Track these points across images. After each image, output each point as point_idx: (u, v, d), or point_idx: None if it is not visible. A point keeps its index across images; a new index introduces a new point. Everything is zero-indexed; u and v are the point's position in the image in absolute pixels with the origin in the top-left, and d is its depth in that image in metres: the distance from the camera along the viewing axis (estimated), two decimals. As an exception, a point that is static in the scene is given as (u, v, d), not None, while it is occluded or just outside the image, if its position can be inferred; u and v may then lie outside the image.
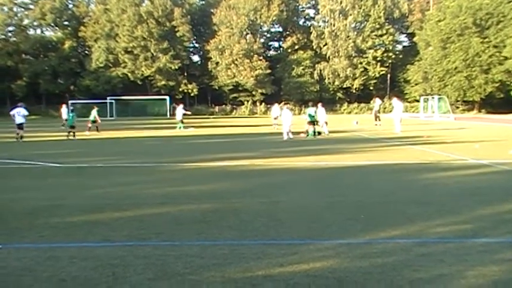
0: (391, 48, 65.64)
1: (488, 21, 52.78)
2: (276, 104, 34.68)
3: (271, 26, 69.10)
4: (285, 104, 34.83)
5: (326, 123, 23.99)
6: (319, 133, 22.74)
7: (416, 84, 61.98)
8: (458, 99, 56.71)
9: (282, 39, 70.20)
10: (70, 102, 48.18)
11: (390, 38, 64.86)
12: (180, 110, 30.55)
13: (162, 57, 63.02)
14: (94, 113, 27.84)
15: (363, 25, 65.75)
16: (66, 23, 68.44)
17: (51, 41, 67.87)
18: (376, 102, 34.30)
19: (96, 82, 63.78)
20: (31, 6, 66.96)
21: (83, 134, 25.11)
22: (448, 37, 54.74)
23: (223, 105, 67.76)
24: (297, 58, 65.73)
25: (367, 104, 63.63)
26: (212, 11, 66.40)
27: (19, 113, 22.08)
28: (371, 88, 65.43)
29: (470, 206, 7.11)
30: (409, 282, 4.15)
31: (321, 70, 65.27)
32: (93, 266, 4.61)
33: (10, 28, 66.96)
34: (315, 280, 4.21)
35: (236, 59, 63.09)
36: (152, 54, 63.81)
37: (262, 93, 64.83)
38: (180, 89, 64.93)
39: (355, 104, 66.43)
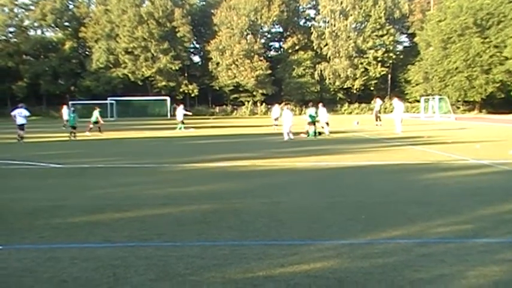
0: (391, 48, 65.63)
1: (489, 22, 52.76)
2: (277, 105, 34.67)
3: (272, 26, 69.12)
4: (285, 104, 34.82)
5: (327, 123, 23.98)
6: (320, 133, 22.75)
7: (417, 85, 61.96)
8: (459, 99, 56.69)
9: (283, 39, 70.21)
10: (70, 102, 48.17)
11: (391, 38, 64.85)
12: (180, 110, 30.55)
13: (163, 57, 63.05)
14: (96, 113, 27.84)
15: (363, 25, 65.75)
16: (66, 23, 68.50)
17: (52, 41, 67.92)
18: (377, 103, 34.29)
19: (97, 83, 63.83)
20: (32, 7, 67.02)
21: (83, 135, 25.13)
22: (448, 37, 54.73)
23: (224, 106, 67.76)
24: (297, 58, 65.73)
25: (368, 104, 63.60)
26: (212, 11, 66.42)
27: (20, 114, 22.09)
28: (372, 88, 65.41)
29: (471, 206, 7.11)
30: (409, 283, 4.15)
31: (321, 70, 65.27)
32: (94, 267, 4.61)
33: (11, 29, 67.02)
34: (315, 280, 4.21)
35: (237, 60, 63.10)
36: (153, 54, 63.84)
37: (262, 94, 64.83)
38: (181, 90, 64.95)
39: (356, 105, 66.41)
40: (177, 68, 63.59)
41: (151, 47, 63.39)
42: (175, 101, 56.90)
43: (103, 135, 25.97)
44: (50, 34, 70.48)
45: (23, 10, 67.61)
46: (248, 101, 66.11)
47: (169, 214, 6.83)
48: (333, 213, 6.83)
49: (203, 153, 15.69)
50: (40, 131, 29.57)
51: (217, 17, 64.78)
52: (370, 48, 64.31)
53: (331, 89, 66.49)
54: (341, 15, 64.51)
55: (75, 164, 13.21)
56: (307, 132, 22.30)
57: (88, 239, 5.63)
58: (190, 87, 64.95)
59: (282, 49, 70.38)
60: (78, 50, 69.39)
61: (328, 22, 66.08)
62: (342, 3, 64.27)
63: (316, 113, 22.97)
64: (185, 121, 30.66)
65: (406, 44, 71.14)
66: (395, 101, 26.17)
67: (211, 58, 65.24)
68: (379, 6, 63.71)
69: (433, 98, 46.92)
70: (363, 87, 65.84)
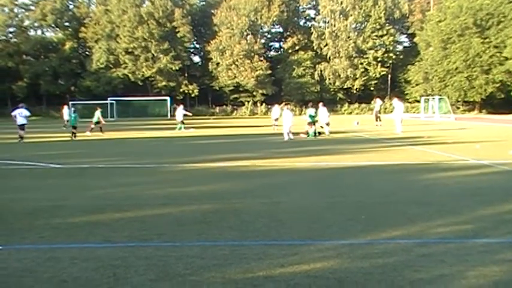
0: (391, 48, 65.62)
1: (489, 22, 52.75)
2: (277, 105, 34.68)
3: (272, 26, 69.10)
4: (285, 104, 34.83)
5: (328, 124, 23.95)
6: (320, 133, 22.74)
7: (417, 85, 61.96)
8: (459, 99, 56.68)
9: (283, 39, 70.21)
10: (71, 103, 48.22)
11: (391, 38, 64.85)
12: (180, 110, 30.55)
13: (163, 58, 63.04)
14: (98, 114, 27.86)
15: (363, 26, 65.74)
16: (66, 23, 68.49)
17: (52, 41, 67.92)
18: (377, 103, 34.28)
19: (97, 83, 63.83)
20: (32, 7, 67.00)
21: (84, 135, 25.14)
22: (448, 37, 54.73)
23: (224, 106, 67.75)
24: (297, 59, 65.73)
25: (368, 104, 63.60)
26: (213, 11, 66.43)
27: (21, 114, 22.10)
28: (372, 89, 65.41)
29: (471, 207, 7.11)
30: (409, 283, 4.15)
31: (321, 71, 65.27)
32: (94, 267, 4.62)
33: (11, 29, 67.02)
34: (315, 281, 4.21)
35: (237, 60, 63.11)
36: (153, 55, 63.84)
37: (262, 94, 64.83)
38: (181, 90, 64.95)
39: (356, 105, 66.40)
40: (177, 68, 63.59)
41: (152, 47, 63.40)
42: (176, 101, 56.90)
43: (104, 135, 25.99)
44: (50, 34, 70.51)
45: (23, 10, 67.63)
46: (248, 101, 66.10)
47: (169, 214, 6.84)
48: (333, 213, 6.83)
49: (203, 153, 15.69)
50: (40, 131, 29.57)
51: (217, 17, 64.79)
52: (370, 49, 64.30)
53: (331, 89, 66.50)
54: (341, 16, 64.51)
55: (76, 164, 13.22)
56: (306, 133, 22.29)
57: (88, 239, 5.63)
58: (191, 87, 64.95)
59: (282, 49, 70.37)
60: (79, 50, 69.38)
61: (328, 22, 66.07)
62: (342, 3, 64.28)
63: (315, 112, 22.96)
64: (185, 121, 30.67)
65: (406, 44, 71.16)
66: (395, 101, 26.18)
67: (212, 58, 65.24)
68: (379, 7, 63.71)
69: (433, 98, 46.92)
70: (362, 88, 65.83)
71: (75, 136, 23.49)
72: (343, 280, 4.23)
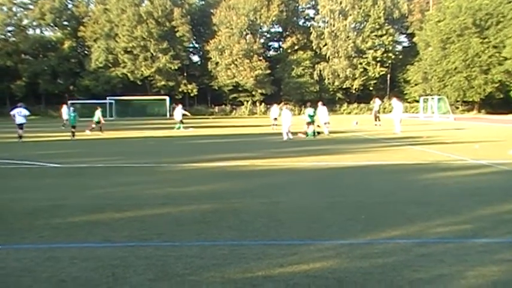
0: (390, 48, 65.64)
1: (488, 22, 52.80)
2: (275, 105, 34.68)
3: (271, 26, 69.09)
4: (284, 104, 34.83)
5: (328, 123, 23.90)
6: (319, 133, 22.72)
7: (416, 85, 61.99)
8: (458, 99, 56.73)
9: (282, 39, 70.20)
10: (70, 102, 48.17)
11: (390, 38, 64.87)
12: (179, 110, 30.56)
13: (162, 57, 63.00)
14: (98, 113, 27.92)
15: (362, 25, 65.75)
16: (65, 23, 68.38)
17: (51, 41, 67.83)
18: (376, 103, 34.31)
19: (96, 82, 63.75)
20: (30, 6, 66.89)
21: (83, 134, 25.13)
22: (447, 37, 54.76)
23: (223, 106, 67.73)
24: (296, 58, 65.73)
25: (367, 104, 63.63)
26: (212, 11, 66.38)
27: (20, 113, 22.10)
28: (371, 88, 65.44)
29: (470, 206, 7.12)
30: (409, 283, 4.16)
31: (320, 70, 65.28)
32: (93, 267, 4.61)
33: (9, 28, 66.89)
34: (314, 280, 4.22)
35: (236, 59, 63.09)
36: (152, 54, 63.79)
37: (262, 94, 64.82)
38: (180, 89, 64.90)
39: (355, 105, 66.43)
40: (176, 67, 63.54)
41: (151, 47, 63.35)
42: (175, 100, 56.85)
43: (103, 134, 25.99)
44: (48, 33, 70.45)
45: (22, 9, 67.51)
46: (247, 101, 66.10)
47: (168, 214, 6.83)
48: (332, 213, 6.84)
49: (202, 153, 15.69)
50: (39, 130, 29.53)
51: (217, 17, 64.75)
52: (369, 48, 64.32)
53: (330, 89, 66.51)
54: (340, 15, 64.51)
55: (75, 163, 13.21)
56: (305, 133, 22.26)
57: (87, 238, 5.63)
58: (190, 86, 64.91)
59: (281, 49, 70.37)
60: (77, 50, 69.29)
61: (327, 22, 66.08)
62: (341, 3, 64.28)
63: (314, 112, 22.94)
64: (184, 121, 30.66)
65: (405, 44, 71.18)
66: (394, 101, 26.19)
67: (211, 58, 65.21)
68: (378, 6, 63.73)
69: (432, 98, 46.94)
70: (362, 87, 65.86)
71: (74, 135, 23.47)
72: (343, 280, 4.23)
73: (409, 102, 61.57)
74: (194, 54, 73.31)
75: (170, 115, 51.58)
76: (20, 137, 21.35)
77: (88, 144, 20.79)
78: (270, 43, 73.51)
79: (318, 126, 23.63)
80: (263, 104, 64.77)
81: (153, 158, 14.39)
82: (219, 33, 64.37)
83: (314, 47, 66.12)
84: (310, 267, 4.53)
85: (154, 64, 63.20)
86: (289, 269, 4.49)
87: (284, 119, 21.67)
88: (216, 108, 67.14)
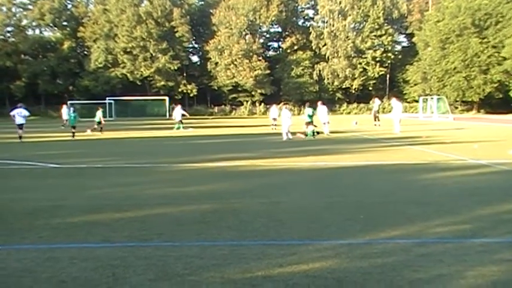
0: (390, 48, 65.66)
1: (487, 22, 52.84)
2: (274, 105, 34.67)
3: (271, 26, 69.07)
4: (284, 104, 34.82)
5: (328, 122, 23.86)
6: (318, 133, 22.69)
7: (415, 85, 62.02)
8: (457, 99, 56.76)
9: (281, 39, 70.19)
10: (69, 102, 48.16)
11: (389, 38, 64.90)
12: (178, 110, 30.57)
13: (161, 57, 62.98)
14: (100, 114, 28.04)
15: (362, 25, 65.77)
16: (65, 23, 68.33)
17: (50, 41, 67.78)
18: (376, 103, 34.29)
19: (95, 82, 63.72)
20: (30, 7, 66.85)
21: (84, 134, 25.12)
22: (447, 37, 54.79)
23: (223, 106, 67.72)
24: (296, 58, 65.73)
25: (367, 104, 63.67)
26: (211, 11, 66.35)
27: (20, 114, 22.13)
28: (370, 88, 65.47)
29: (469, 206, 7.13)
30: (408, 283, 4.16)
31: (320, 70, 65.29)
32: (93, 267, 4.62)
33: (9, 28, 66.84)
34: (314, 280, 4.22)
35: (235, 60, 63.08)
36: (151, 54, 63.76)
37: (261, 94, 64.81)
38: (180, 90, 64.88)
39: (355, 104, 66.44)
40: (175, 67, 63.52)
41: (150, 47, 63.33)
42: (174, 100, 56.83)
43: (102, 135, 26.00)
44: (48, 34, 70.39)
45: (21, 9, 67.47)
46: (247, 101, 66.09)
47: (168, 214, 6.84)
48: (331, 213, 6.84)
49: (202, 153, 15.70)
50: (39, 130, 29.52)
51: (216, 17, 64.74)
52: (369, 48, 64.33)
53: (330, 89, 66.51)
54: (340, 15, 64.53)
55: (75, 164, 13.21)
56: (305, 133, 22.24)
57: (87, 239, 5.63)
58: (189, 87, 64.89)
59: (280, 49, 70.36)
60: (77, 50, 69.24)
61: (326, 22, 66.09)
62: (340, 3, 64.30)
63: (313, 112, 22.92)
64: (184, 121, 30.66)
65: (405, 44, 71.21)
66: (394, 101, 26.21)
67: (210, 58, 65.19)
68: (377, 7, 63.76)
69: (432, 98, 46.97)
70: (361, 87, 65.88)
71: (74, 136, 23.47)
72: (342, 280, 4.24)
73: (408, 102, 61.60)
74: (194, 54, 73.31)
75: (170, 115, 51.60)
76: (20, 137, 21.36)
77: (88, 144, 20.80)
78: (270, 43, 73.52)
79: (314, 125, 23.55)
80: (263, 104, 64.77)
81: (152, 158, 14.40)
82: (218, 34, 64.36)
83: (313, 47, 66.13)
84: (309, 267, 4.54)
85: (154, 64, 63.19)
86: (288, 269, 4.49)
87: (284, 119, 21.67)
88: (216, 109, 67.13)
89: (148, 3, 64.31)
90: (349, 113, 63.85)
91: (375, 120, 31.10)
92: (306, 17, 72.39)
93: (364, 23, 65.26)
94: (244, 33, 64.77)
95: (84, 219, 6.56)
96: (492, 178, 9.95)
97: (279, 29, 70.69)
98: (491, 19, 52.55)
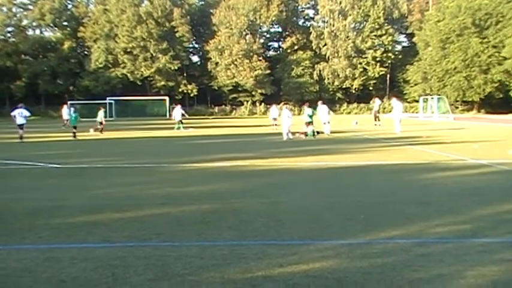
0: (390, 48, 65.66)
1: (487, 22, 52.82)
2: (274, 105, 34.66)
3: (271, 26, 69.09)
4: (284, 104, 34.81)
5: (328, 122, 23.84)
6: (318, 133, 22.65)
7: (415, 85, 62.00)
8: (458, 99, 56.73)
9: (282, 39, 70.19)
10: (69, 102, 48.18)
11: (389, 38, 64.89)
12: (178, 110, 30.58)
13: (162, 57, 62.99)
14: (101, 114, 28.17)
15: (362, 25, 65.77)
16: (65, 23, 68.36)
17: (51, 41, 67.80)
18: (376, 103, 34.32)
19: (96, 82, 63.74)
20: (30, 7, 66.88)
21: (84, 134, 25.13)
22: (447, 37, 54.78)
23: (223, 106, 67.72)
24: (296, 58, 65.72)
25: (367, 104, 63.64)
26: (211, 11, 66.36)
27: (21, 114, 22.17)
28: (370, 88, 65.45)
29: (469, 206, 7.12)
30: (408, 283, 4.16)
31: (320, 70, 65.29)
32: (93, 267, 4.62)
33: (9, 28, 66.87)
34: (314, 280, 4.22)
35: (236, 60, 63.08)
36: (152, 54, 63.78)
37: (261, 94, 64.81)
38: (180, 90, 64.89)
39: (355, 104, 66.42)
40: (176, 67, 63.53)
41: (150, 47, 63.34)
42: (174, 100, 56.82)
43: (103, 135, 26.02)
44: (48, 34, 70.41)
45: (22, 10, 67.49)
46: (247, 101, 66.09)
47: (168, 214, 6.84)
48: (332, 213, 6.84)
49: (202, 153, 15.70)
50: (39, 130, 29.53)
51: (216, 17, 64.75)
52: (369, 48, 64.33)
53: (330, 89, 66.51)
54: (340, 15, 64.52)
55: (75, 164, 13.21)
56: (305, 133, 22.21)
57: (87, 239, 5.63)
58: (189, 87, 64.90)
59: (281, 49, 70.36)
60: (77, 50, 69.26)
61: (327, 22, 66.09)
62: (340, 3, 64.29)
63: (313, 112, 22.90)
64: (184, 121, 30.67)
65: (405, 44, 71.19)
66: (394, 101, 26.20)
67: (210, 58, 65.20)
68: (377, 6, 63.75)
69: (432, 98, 46.95)
70: (361, 87, 65.86)
71: (75, 136, 23.47)
72: (342, 280, 4.23)
73: (408, 102, 61.58)
74: (194, 54, 73.33)
75: (170, 115, 51.62)
76: (21, 137, 21.37)
77: (88, 144, 20.80)
78: (270, 43, 73.53)
79: (313, 126, 23.48)
80: (263, 104, 64.76)
81: (152, 158, 14.40)
82: (218, 34, 64.37)
83: (314, 47, 66.12)
84: (309, 267, 4.53)
85: (154, 64, 63.20)
86: (288, 269, 4.49)
87: (284, 119, 21.66)
88: (216, 109, 67.13)
89: (148, 3, 64.34)
90: (349, 113, 63.82)
91: (375, 120, 31.10)
92: (306, 17, 72.42)
93: (365, 22, 65.26)
94: (244, 33, 64.78)
95: (84, 219, 6.56)
96: (492, 178, 9.95)
97: (279, 29, 70.71)
98: (492, 19, 52.53)
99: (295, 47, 66.65)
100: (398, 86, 66.73)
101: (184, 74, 66.76)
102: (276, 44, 73.43)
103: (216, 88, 66.26)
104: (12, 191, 8.93)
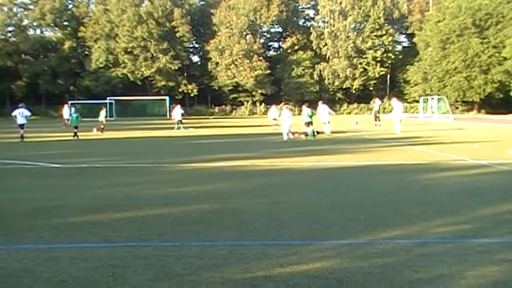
0: (390, 48, 65.68)
1: (488, 22, 52.83)
2: (274, 106, 34.66)
3: (271, 26, 69.12)
4: (284, 104, 34.80)
5: (328, 122, 23.82)
6: (318, 132, 22.64)
7: (415, 85, 62.02)
8: (458, 99, 56.75)
9: (282, 39, 70.22)
10: (70, 102, 48.20)
11: (390, 38, 64.91)
12: (178, 110, 30.58)
13: (162, 57, 63.02)
14: (103, 113, 28.29)
15: (362, 26, 65.80)
16: (66, 23, 68.41)
17: (51, 41, 67.84)
18: (376, 103, 34.31)
19: (96, 82, 63.77)
20: (31, 7, 66.92)
21: (86, 134, 25.13)
22: (447, 38, 54.78)
23: (223, 106, 67.74)
24: (296, 58, 65.74)
25: (367, 104, 63.66)
26: (212, 11, 66.41)
27: (21, 114, 22.18)
28: (371, 88, 65.46)
29: (469, 206, 7.12)
30: (409, 283, 4.16)
31: (320, 70, 65.30)
32: (93, 267, 4.61)
33: (10, 28, 66.93)
34: (315, 280, 4.21)
35: (236, 60, 63.10)
36: (152, 54, 63.81)
37: (262, 94, 64.83)
38: (180, 90, 64.92)
39: (355, 105, 66.44)
40: (176, 67, 63.56)
41: (151, 47, 63.37)
42: (175, 100, 56.81)
43: (103, 135, 26.02)
44: (49, 34, 70.45)
45: (22, 9, 67.54)
46: (247, 101, 66.11)
47: (168, 214, 6.83)
48: (332, 213, 6.84)
49: (202, 153, 15.69)
50: (40, 130, 29.54)
51: (217, 17, 64.78)
52: (369, 49, 64.34)
53: (330, 89, 66.53)
54: (340, 16, 64.54)
55: (75, 163, 13.21)
56: (305, 133, 22.19)
57: (87, 239, 5.63)
58: (190, 87, 64.92)
59: (281, 49, 70.38)
60: (78, 50, 69.31)
61: (327, 22, 66.12)
62: (341, 3, 64.31)
63: (312, 112, 22.87)
64: (184, 121, 30.67)
65: (405, 44, 71.22)
66: (394, 101, 26.19)
67: (211, 58, 65.24)
68: (378, 7, 63.77)
69: (432, 98, 46.94)
70: (362, 87, 65.89)
71: (76, 136, 23.44)
72: (343, 280, 4.23)
73: (408, 103, 61.59)
74: (194, 54, 73.36)
75: (170, 115, 51.62)
76: (22, 137, 21.37)
77: (88, 144, 20.80)
78: (270, 43, 73.57)
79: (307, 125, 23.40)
80: (263, 104, 64.78)
81: (152, 158, 14.39)
82: (219, 34, 64.39)
83: (314, 47, 66.14)
84: (310, 267, 4.53)
85: (155, 64, 63.23)
86: (289, 269, 4.48)
87: (284, 119, 21.65)
88: (216, 109, 67.15)
89: (149, 3, 64.37)
90: (349, 113, 63.83)
91: (376, 120, 31.09)
92: (306, 17, 72.46)
93: (365, 23, 65.29)
94: (244, 33, 64.81)
95: (84, 219, 6.55)
96: (493, 178, 9.94)
97: (280, 29, 70.73)
98: (492, 19, 52.53)
99: (296, 47, 66.67)
100: (398, 86, 66.74)
101: (185, 74, 66.79)
102: (276, 44, 73.52)
103: (216, 88, 66.28)
104: (12, 191, 8.92)
